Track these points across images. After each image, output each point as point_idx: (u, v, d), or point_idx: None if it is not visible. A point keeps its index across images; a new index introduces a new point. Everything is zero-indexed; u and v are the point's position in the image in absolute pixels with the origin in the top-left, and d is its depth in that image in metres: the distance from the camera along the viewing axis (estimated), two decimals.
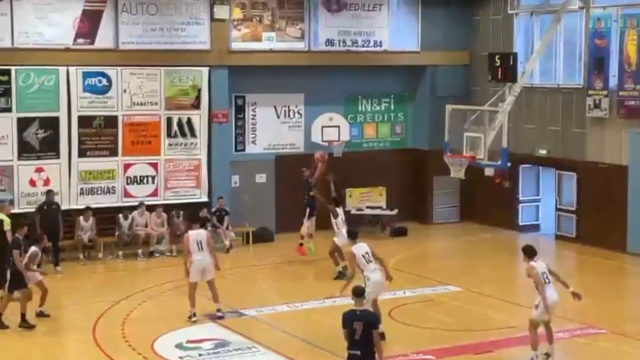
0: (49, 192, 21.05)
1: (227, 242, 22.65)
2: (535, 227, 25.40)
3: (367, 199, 25.44)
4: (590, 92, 22.83)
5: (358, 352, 10.79)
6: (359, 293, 11.23)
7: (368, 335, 10.77)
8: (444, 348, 14.63)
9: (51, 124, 21.67)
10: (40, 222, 20.21)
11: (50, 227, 20.09)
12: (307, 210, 20.93)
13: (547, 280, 13.74)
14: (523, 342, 14.18)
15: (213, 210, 22.90)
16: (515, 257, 22.38)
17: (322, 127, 24.42)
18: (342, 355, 13.94)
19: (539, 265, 13.86)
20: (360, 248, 15.07)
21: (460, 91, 25.84)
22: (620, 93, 22.11)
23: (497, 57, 21.17)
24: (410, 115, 26.70)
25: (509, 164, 20.64)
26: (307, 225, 20.93)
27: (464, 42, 26.35)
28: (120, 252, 21.69)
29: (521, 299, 17.01)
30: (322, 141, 24.34)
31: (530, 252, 13.99)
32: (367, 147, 26.21)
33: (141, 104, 22.61)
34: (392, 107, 26.57)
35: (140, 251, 21.92)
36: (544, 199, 25.45)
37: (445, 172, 21.82)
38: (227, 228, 22.86)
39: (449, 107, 21.67)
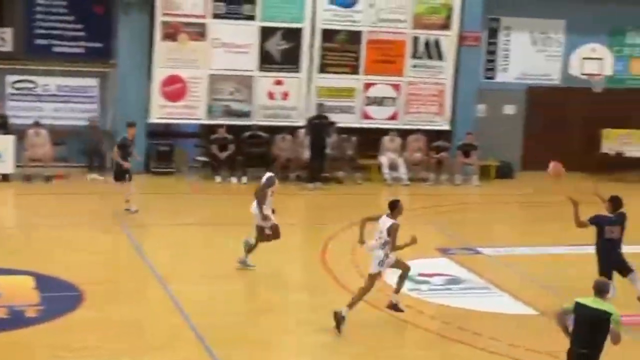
0: (320, 106, 20.70)
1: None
2: None
3: (626, 142, 23.05)
4: None
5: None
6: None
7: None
8: None
9: (294, 35, 20.97)
10: (309, 136, 20.24)
11: (317, 141, 20.06)
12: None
13: None
14: None
15: (459, 144, 21.55)
16: None
17: (583, 58, 22.32)
18: None
19: None
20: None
21: None
22: None
23: None
24: None
25: None
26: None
27: None
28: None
29: None
30: (581, 74, 22.27)
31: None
32: (631, 84, 23.72)
33: (388, 20, 21.45)
34: None
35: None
36: None
37: None
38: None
39: None
